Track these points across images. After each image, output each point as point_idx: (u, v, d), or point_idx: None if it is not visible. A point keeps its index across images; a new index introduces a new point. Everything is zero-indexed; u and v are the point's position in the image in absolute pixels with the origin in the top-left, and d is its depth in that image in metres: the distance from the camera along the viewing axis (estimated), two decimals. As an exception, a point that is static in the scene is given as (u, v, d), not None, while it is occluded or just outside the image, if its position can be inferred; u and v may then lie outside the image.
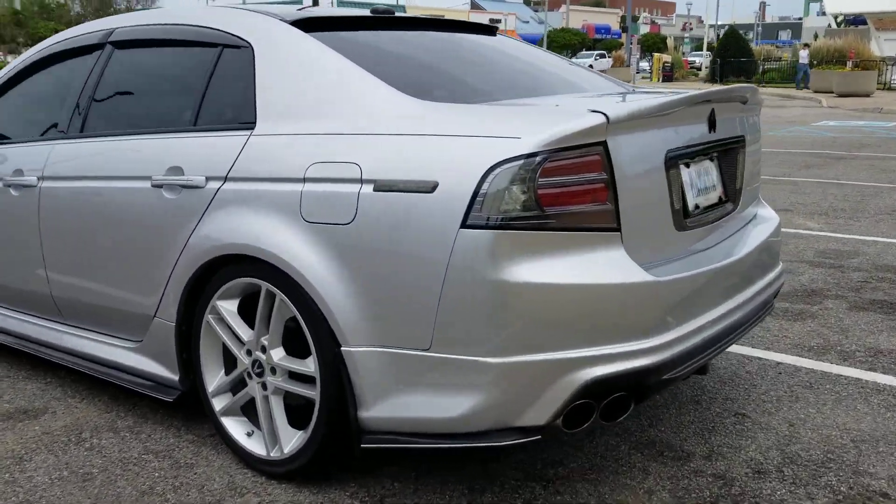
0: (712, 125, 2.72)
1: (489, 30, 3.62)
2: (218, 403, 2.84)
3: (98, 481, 2.72)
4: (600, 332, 2.22)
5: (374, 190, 2.32)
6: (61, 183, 3.23)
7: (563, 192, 2.20)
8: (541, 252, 2.19)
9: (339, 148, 2.44)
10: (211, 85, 2.91)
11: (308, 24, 2.87)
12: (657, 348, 2.27)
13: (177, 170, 2.81)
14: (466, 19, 3.76)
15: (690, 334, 2.40)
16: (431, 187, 2.23)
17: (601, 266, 2.24)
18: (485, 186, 2.16)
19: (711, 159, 2.81)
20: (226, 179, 2.67)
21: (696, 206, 2.68)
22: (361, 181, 2.35)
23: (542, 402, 2.20)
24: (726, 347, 2.64)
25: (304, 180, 2.46)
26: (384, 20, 3.15)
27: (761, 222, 3.13)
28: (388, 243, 2.29)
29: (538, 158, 2.16)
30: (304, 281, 2.41)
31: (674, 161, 2.52)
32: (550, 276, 2.18)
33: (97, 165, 3.12)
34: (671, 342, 2.31)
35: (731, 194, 2.94)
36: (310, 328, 2.47)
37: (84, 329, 3.35)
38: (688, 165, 2.64)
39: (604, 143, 2.24)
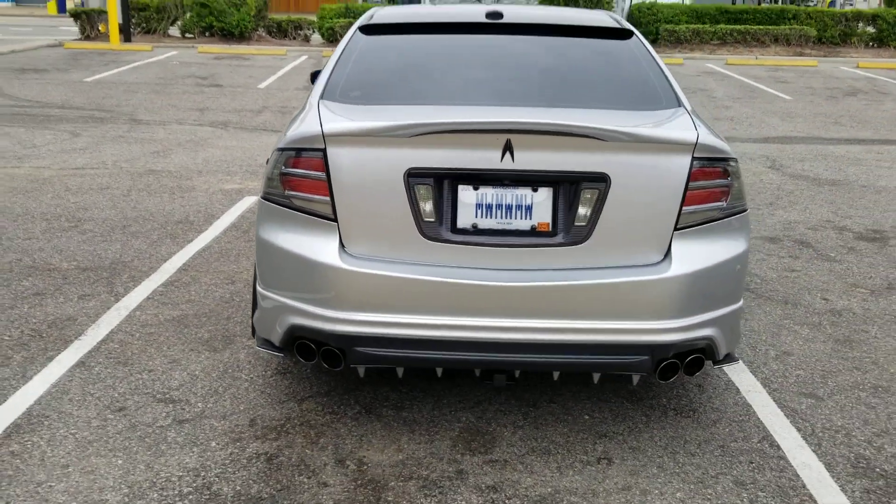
0: (508, 154, 2.84)
1: (621, 34, 3.72)
2: None
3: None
4: (304, 291, 2.96)
5: None
6: None
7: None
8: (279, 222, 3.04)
9: None
10: None
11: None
12: (338, 320, 2.89)
13: None
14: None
15: (384, 324, 2.88)
16: None
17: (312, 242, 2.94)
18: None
19: (534, 188, 2.89)
20: None
21: (474, 226, 2.90)
22: None
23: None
24: (456, 363, 2.98)
25: None
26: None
27: (627, 275, 2.88)
28: None
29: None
30: None
31: (424, 177, 2.84)
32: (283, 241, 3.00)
33: None
34: (353, 320, 2.88)
35: (566, 229, 2.90)
36: None
37: None
38: (476, 187, 2.88)
39: (323, 150, 2.91)
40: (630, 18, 22.11)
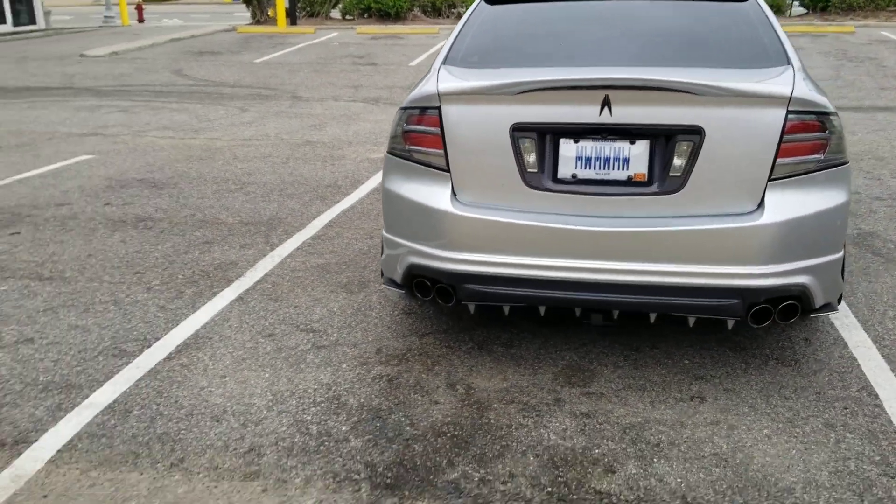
0: (607, 109, 3.06)
1: None
2: None
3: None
4: (421, 234, 3.33)
5: None
6: None
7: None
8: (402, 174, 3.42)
9: None
10: None
11: None
12: (450, 259, 3.24)
13: None
14: None
15: (490, 263, 3.20)
16: None
17: (428, 191, 3.31)
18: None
19: (631, 140, 3.07)
20: None
21: (573, 176, 3.13)
22: None
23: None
24: (565, 302, 3.22)
25: None
26: None
27: (721, 222, 3.04)
28: None
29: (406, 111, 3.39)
30: None
31: (528, 131, 3.12)
32: (405, 190, 3.38)
33: None
34: (462, 260, 3.22)
35: (661, 179, 3.08)
36: None
37: None
38: (576, 140, 3.10)
39: (439, 108, 3.26)
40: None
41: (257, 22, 22.63)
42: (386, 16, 22.11)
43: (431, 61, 14.84)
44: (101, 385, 3.43)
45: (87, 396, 3.34)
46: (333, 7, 23.43)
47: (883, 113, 9.28)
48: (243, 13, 26.81)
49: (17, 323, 4.06)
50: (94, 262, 4.91)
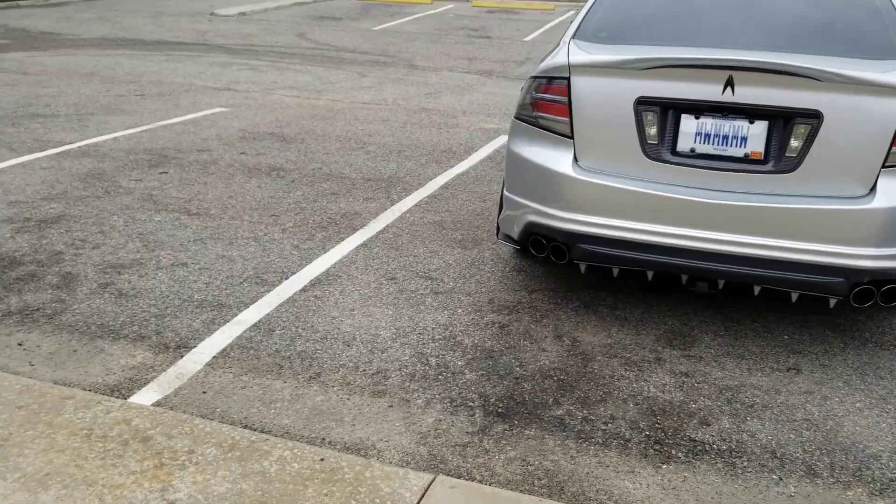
0: (729, 89, 3.25)
1: None
2: None
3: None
4: (541, 195, 3.60)
5: None
6: None
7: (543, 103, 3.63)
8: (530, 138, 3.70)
9: None
10: None
11: None
12: (567, 219, 3.50)
13: None
14: None
15: (605, 226, 3.44)
16: None
17: (551, 156, 3.58)
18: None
19: (750, 120, 3.25)
20: None
21: (692, 150, 3.32)
22: None
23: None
24: (681, 270, 3.44)
25: None
26: None
27: (832, 203, 3.20)
28: None
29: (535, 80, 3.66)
30: None
31: (651, 105, 3.36)
32: (529, 154, 3.67)
33: None
34: (579, 220, 3.48)
35: (777, 158, 3.25)
36: None
37: None
38: (697, 116, 3.30)
39: (568, 79, 3.50)
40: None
41: (375, -9, 23.15)
42: (501, -9, 22.23)
43: (546, 37, 15.02)
44: (248, 307, 3.87)
45: (235, 315, 3.79)
46: (450, -20, 23.69)
47: None
48: (361, -19, 27.42)
49: (171, 249, 4.57)
50: (234, 202, 5.41)
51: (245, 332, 3.63)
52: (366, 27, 15.97)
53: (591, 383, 3.30)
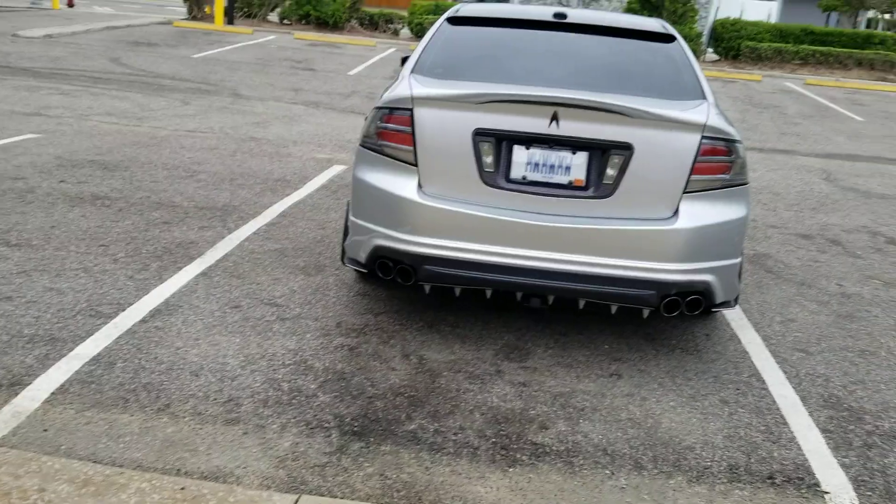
0: (555, 123, 3.63)
1: (665, 38, 4.47)
2: None
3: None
4: (388, 219, 3.77)
5: None
6: None
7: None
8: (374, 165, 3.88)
9: None
10: None
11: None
12: (412, 242, 3.70)
13: None
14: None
15: (452, 249, 3.66)
16: None
17: (397, 182, 3.78)
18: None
19: (573, 151, 3.65)
20: None
21: (524, 178, 3.69)
22: None
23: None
24: (511, 286, 3.71)
25: None
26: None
27: (643, 224, 3.61)
28: None
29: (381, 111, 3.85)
30: None
31: (487, 136, 3.64)
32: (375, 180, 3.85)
33: None
34: (424, 243, 3.68)
35: (596, 185, 3.67)
36: None
37: None
38: (527, 147, 3.66)
39: (411, 110, 3.72)
40: (713, 33, 22.39)
41: (193, 18, 22.57)
42: (324, 24, 22.43)
43: (370, 72, 15.35)
44: (84, 340, 3.72)
45: (71, 349, 3.63)
46: (272, 10, 23.59)
47: (781, 155, 10.26)
48: (176, 7, 26.59)
49: (-10, 283, 4.28)
50: (58, 232, 5.13)
51: (84, 366, 3.49)
52: (185, 54, 15.54)
53: (440, 398, 3.48)
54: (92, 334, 3.78)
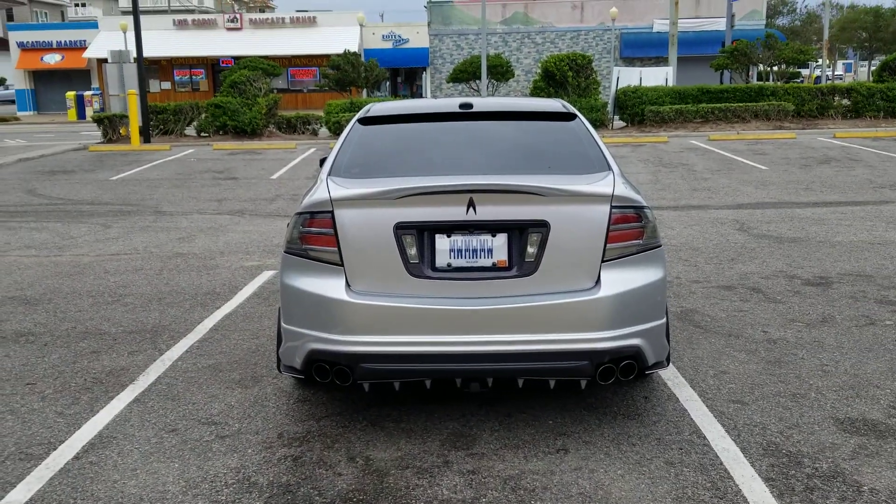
0: (472, 209, 3.74)
1: (566, 116, 4.68)
2: None
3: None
4: (320, 322, 3.79)
5: None
6: None
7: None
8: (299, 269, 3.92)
9: None
10: None
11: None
12: (347, 342, 3.71)
13: None
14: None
15: (387, 344, 3.69)
16: None
17: (325, 284, 3.81)
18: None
19: (493, 234, 3.78)
20: None
21: (448, 265, 3.78)
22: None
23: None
24: (453, 373, 3.78)
25: None
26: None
27: (568, 297, 3.71)
28: None
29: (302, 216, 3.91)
30: None
31: (409, 229, 3.73)
32: (303, 284, 3.87)
33: None
34: (358, 342, 3.70)
35: (519, 264, 3.78)
36: None
37: None
38: (448, 235, 3.77)
39: (332, 212, 3.80)
40: (617, 101, 23.48)
41: (109, 140, 22.50)
42: (242, 132, 22.65)
43: (293, 174, 15.50)
44: (14, 486, 3.57)
45: (1, 498, 3.47)
46: (188, 125, 23.74)
47: (696, 210, 10.70)
48: (90, 132, 26.51)
49: None
50: (-20, 376, 4.96)
51: (15, 514, 3.34)
52: (103, 178, 15.44)
53: (389, 498, 3.44)
54: (23, 479, 3.63)
